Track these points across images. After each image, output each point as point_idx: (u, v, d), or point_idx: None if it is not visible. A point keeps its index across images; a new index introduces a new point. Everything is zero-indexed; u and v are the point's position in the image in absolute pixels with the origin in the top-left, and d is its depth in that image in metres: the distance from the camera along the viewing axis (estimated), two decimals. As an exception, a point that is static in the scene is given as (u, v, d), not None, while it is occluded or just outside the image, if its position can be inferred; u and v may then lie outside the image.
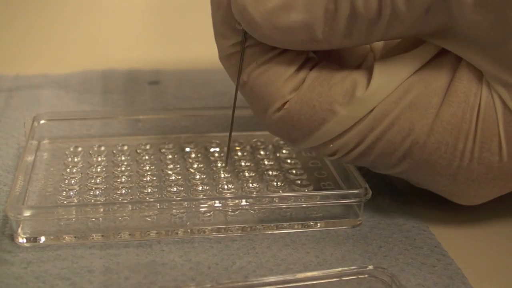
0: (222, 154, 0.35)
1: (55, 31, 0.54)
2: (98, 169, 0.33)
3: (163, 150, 0.35)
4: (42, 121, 0.35)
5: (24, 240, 0.28)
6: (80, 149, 0.35)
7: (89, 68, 0.46)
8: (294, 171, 0.33)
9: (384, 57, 0.29)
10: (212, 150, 0.35)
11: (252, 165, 0.34)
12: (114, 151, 0.35)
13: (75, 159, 0.34)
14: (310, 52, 0.29)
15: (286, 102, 0.28)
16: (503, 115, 0.27)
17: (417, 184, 0.31)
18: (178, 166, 0.33)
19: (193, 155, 0.35)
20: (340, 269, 0.26)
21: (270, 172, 0.33)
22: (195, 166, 0.34)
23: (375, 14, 0.26)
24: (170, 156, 0.34)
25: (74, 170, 0.33)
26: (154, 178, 0.32)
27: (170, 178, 0.32)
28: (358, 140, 0.28)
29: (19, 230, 0.28)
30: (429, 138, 0.28)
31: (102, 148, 0.35)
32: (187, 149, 0.35)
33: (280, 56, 0.28)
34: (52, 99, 0.41)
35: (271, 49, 0.28)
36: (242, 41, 0.29)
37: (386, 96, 0.28)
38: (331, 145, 0.29)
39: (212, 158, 0.35)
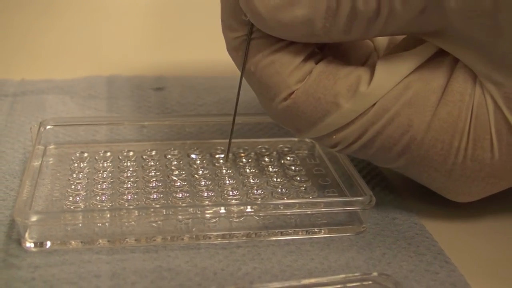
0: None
1: (60, 36, 0.54)
2: (104, 175, 0.33)
3: (168, 156, 0.35)
4: (48, 127, 0.36)
5: (32, 245, 0.28)
6: (86, 154, 0.35)
7: (94, 74, 0.46)
8: (298, 178, 0.34)
9: (387, 55, 0.30)
10: (217, 156, 0.35)
11: (256, 171, 0.34)
12: (120, 157, 0.35)
13: (81, 165, 0.34)
14: (315, 45, 0.30)
15: (293, 93, 0.29)
16: (494, 114, 0.28)
17: (415, 179, 0.31)
18: (183, 172, 0.34)
19: (198, 162, 0.35)
20: (344, 275, 0.26)
21: (275, 179, 0.34)
22: (200, 172, 0.34)
23: (373, 12, 0.27)
24: (175, 162, 0.35)
25: (80, 176, 0.33)
26: (160, 184, 0.33)
27: (176, 184, 0.33)
28: (359, 133, 0.29)
29: (26, 235, 0.28)
30: (427, 135, 0.29)
31: (108, 154, 0.35)
32: (193, 156, 0.35)
33: (287, 47, 0.29)
34: (58, 105, 0.41)
35: (278, 40, 0.29)
36: (249, 32, 0.30)
37: (387, 92, 0.29)
38: (334, 137, 0.30)
39: (217, 164, 0.35)
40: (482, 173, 0.29)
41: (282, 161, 0.35)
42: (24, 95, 0.43)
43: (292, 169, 0.35)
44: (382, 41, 0.33)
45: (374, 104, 0.29)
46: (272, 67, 0.29)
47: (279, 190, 0.33)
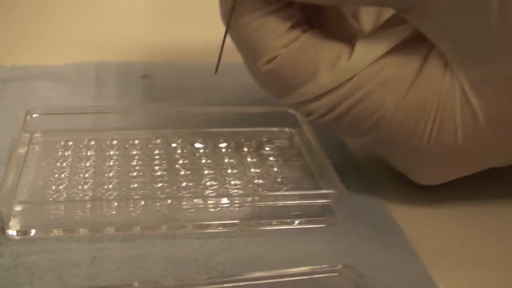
0: (207, 150, 0.36)
1: (50, 22, 0.55)
2: (88, 164, 0.34)
3: (150, 146, 0.36)
4: (35, 115, 0.37)
5: (15, 233, 0.30)
6: (71, 143, 0.36)
7: (84, 60, 0.47)
8: (275, 169, 0.35)
9: (368, 34, 0.31)
10: (197, 146, 0.37)
11: (235, 162, 0.35)
12: (103, 146, 0.36)
13: (66, 153, 0.35)
14: (303, 16, 0.32)
15: (276, 56, 0.31)
16: (460, 100, 0.29)
17: (384, 158, 0.33)
18: (164, 162, 0.35)
19: (179, 151, 0.36)
20: (311, 267, 0.27)
21: (253, 169, 0.35)
22: (181, 162, 0.35)
23: None
24: (157, 151, 0.36)
25: (64, 164, 0.34)
26: (141, 173, 0.34)
27: (156, 173, 0.34)
28: (333, 105, 0.31)
29: (10, 223, 0.30)
30: (395, 115, 0.30)
31: (92, 143, 0.36)
32: (173, 145, 0.37)
33: (276, 12, 0.31)
34: (46, 91, 0.42)
35: (268, 4, 0.31)
36: None
37: (364, 68, 0.30)
38: (309, 105, 0.31)
39: (197, 154, 0.36)
40: (445, 157, 0.31)
41: (261, 151, 0.37)
42: (13, 81, 0.44)
43: (270, 159, 0.36)
44: (367, 23, 0.35)
45: (351, 79, 0.30)
46: (260, 30, 0.31)
47: (256, 180, 0.34)
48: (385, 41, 0.30)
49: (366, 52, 0.30)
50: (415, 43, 0.30)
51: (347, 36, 0.33)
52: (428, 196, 0.34)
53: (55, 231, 0.30)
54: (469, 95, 0.29)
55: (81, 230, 0.30)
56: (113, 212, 0.30)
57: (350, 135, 0.33)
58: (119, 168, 0.34)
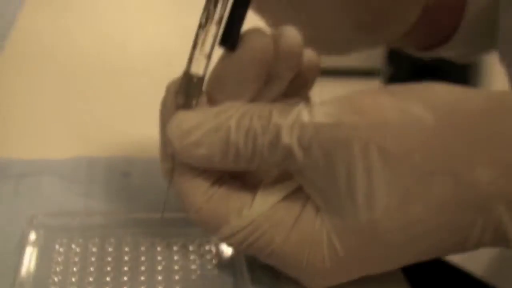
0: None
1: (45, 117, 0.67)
2: (75, 269, 0.46)
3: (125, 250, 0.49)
4: (39, 217, 0.49)
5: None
6: (67, 242, 0.48)
7: (78, 154, 0.59)
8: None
9: (265, 186, 0.43)
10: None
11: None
12: (94, 249, 0.48)
13: (63, 256, 0.48)
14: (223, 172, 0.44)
15: (201, 208, 0.43)
16: (327, 240, 0.41)
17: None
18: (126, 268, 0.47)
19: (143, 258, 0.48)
20: None
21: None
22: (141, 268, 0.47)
23: (250, 157, 0.41)
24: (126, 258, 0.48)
25: (60, 268, 0.47)
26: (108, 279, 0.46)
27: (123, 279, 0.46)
28: (240, 241, 0.43)
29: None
30: (283, 249, 0.42)
31: (80, 240, 0.48)
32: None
33: (200, 174, 0.43)
34: (49, 187, 0.55)
35: (195, 168, 0.43)
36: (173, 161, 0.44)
37: (260, 214, 0.42)
38: (227, 241, 0.44)
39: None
40: (320, 275, 0.42)
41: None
42: (22, 176, 0.56)
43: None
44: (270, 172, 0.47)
45: (251, 223, 0.42)
46: (189, 188, 0.43)
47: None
48: (276, 193, 0.43)
49: (262, 203, 0.42)
50: (297, 193, 0.43)
51: (256, 180, 0.45)
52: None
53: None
54: (332, 236, 0.41)
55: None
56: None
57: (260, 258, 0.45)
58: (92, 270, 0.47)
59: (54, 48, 0.82)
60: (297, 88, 0.48)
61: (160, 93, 0.46)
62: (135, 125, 0.65)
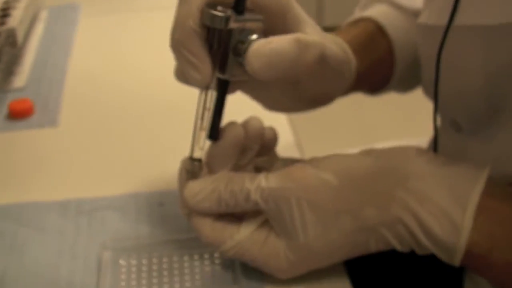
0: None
1: (96, 159, 0.94)
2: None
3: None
4: (108, 242, 0.76)
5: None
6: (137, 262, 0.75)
7: (128, 191, 0.86)
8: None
9: (247, 218, 0.70)
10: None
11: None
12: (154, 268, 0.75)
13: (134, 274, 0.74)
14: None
15: (208, 236, 0.70)
16: (283, 251, 0.67)
17: None
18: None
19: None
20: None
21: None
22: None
23: (233, 206, 0.67)
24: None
25: (124, 277, 0.73)
26: None
27: None
28: (233, 255, 0.69)
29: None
30: (257, 259, 0.68)
31: (135, 256, 0.75)
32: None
33: (206, 215, 0.70)
34: (113, 221, 0.81)
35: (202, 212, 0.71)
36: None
37: (242, 238, 0.69)
38: (225, 255, 0.70)
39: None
40: (284, 270, 0.69)
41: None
42: (93, 211, 0.83)
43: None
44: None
45: (237, 244, 0.68)
46: (199, 224, 0.69)
47: None
48: (253, 223, 0.68)
49: (244, 230, 0.67)
50: (266, 223, 0.67)
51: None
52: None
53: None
54: (286, 249, 0.67)
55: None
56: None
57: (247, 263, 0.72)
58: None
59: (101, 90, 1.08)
60: (264, 152, 0.74)
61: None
62: (166, 163, 0.91)
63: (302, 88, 0.71)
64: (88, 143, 0.97)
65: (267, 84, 0.70)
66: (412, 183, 0.62)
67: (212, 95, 0.65)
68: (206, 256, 0.76)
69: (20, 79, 1.11)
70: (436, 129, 0.83)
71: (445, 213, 0.60)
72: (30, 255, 0.77)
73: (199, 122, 0.68)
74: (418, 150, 0.64)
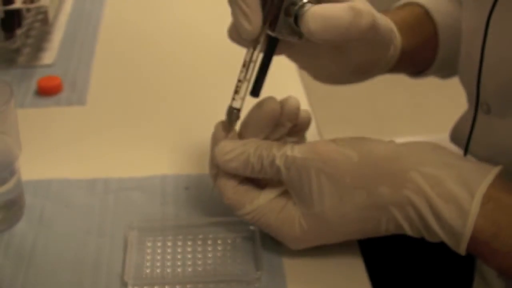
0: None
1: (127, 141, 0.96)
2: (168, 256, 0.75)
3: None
4: (135, 222, 0.78)
5: (132, 294, 0.71)
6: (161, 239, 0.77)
7: (154, 173, 0.87)
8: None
9: (268, 187, 0.73)
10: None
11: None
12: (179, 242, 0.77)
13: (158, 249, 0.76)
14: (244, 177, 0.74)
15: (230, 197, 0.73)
16: (298, 218, 0.71)
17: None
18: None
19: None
20: None
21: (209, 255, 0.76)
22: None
23: (259, 170, 0.71)
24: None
25: (149, 257, 0.75)
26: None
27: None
28: (250, 219, 0.73)
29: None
30: (273, 224, 0.72)
31: (160, 237, 0.77)
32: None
33: (232, 177, 0.73)
34: (139, 200, 0.83)
35: (237, 176, 0.73)
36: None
37: (261, 204, 0.72)
38: (244, 218, 0.73)
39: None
40: (298, 239, 0.71)
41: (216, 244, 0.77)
42: (120, 191, 0.84)
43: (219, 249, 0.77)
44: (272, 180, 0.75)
45: (256, 208, 0.72)
46: (225, 185, 0.73)
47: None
48: (273, 192, 0.71)
49: (265, 197, 0.71)
50: (285, 193, 0.71)
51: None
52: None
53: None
54: (301, 218, 0.70)
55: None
56: None
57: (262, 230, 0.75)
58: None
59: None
60: (295, 132, 0.76)
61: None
62: (193, 147, 0.93)
63: (350, 55, 0.75)
64: (116, 122, 0.98)
65: (316, 51, 0.75)
66: (426, 168, 0.65)
67: (259, 54, 0.70)
68: (229, 241, 0.77)
69: (49, 55, 1.13)
70: (476, 106, 0.83)
71: (454, 198, 0.63)
72: (58, 230, 0.79)
73: (243, 72, 0.71)
74: (435, 145, 0.68)
